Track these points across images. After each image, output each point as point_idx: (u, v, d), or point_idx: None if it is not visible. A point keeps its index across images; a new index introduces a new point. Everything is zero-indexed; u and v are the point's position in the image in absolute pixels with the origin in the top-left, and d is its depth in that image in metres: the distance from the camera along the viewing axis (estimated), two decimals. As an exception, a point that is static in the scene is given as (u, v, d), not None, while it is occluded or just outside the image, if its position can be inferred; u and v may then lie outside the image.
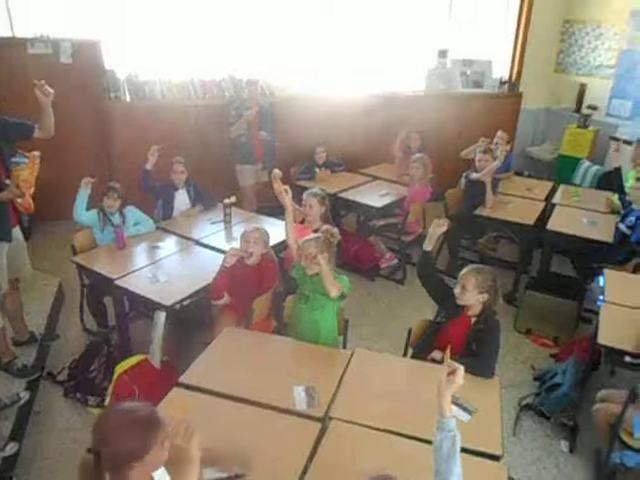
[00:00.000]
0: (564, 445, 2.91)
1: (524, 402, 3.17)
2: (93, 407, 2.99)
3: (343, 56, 5.85)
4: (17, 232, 3.11)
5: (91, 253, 3.43)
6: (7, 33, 4.82)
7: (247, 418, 2.06)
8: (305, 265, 2.60)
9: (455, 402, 2.01)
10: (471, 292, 2.47)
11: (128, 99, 5.10)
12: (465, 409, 2.09)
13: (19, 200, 3.02)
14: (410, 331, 2.75)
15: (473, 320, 2.52)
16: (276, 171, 3.16)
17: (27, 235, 3.27)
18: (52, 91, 2.87)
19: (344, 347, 2.79)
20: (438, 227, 2.63)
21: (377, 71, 6.05)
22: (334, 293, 2.51)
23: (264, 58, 5.51)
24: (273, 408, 2.10)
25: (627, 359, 2.67)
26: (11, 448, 2.65)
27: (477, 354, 2.42)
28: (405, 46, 6.20)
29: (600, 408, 2.63)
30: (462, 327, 2.52)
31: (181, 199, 4.02)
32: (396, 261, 4.69)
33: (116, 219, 3.56)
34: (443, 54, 6.35)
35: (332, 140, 5.23)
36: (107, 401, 2.85)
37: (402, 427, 2.02)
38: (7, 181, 2.89)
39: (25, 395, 2.96)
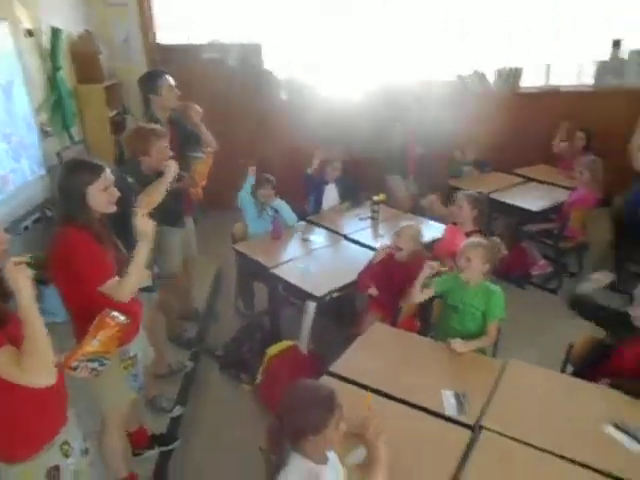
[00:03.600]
0: None
1: None
2: (245, 384, 3.22)
3: (501, 45, 5.54)
4: (189, 221, 3.48)
5: (248, 242, 3.68)
6: (184, 40, 5.37)
7: (394, 415, 2.05)
8: (463, 267, 2.53)
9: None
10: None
11: (285, 98, 5.40)
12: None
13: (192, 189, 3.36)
14: (571, 346, 2.54)
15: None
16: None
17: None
18: (200, 110, 3.26)
19: (494, 356, 2.66)
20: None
21: (540, 61, 5.62)
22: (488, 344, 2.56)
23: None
24: (421, 409, 2.08)
25: None
26: (177, 410, 2.98)
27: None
28: (573, 35, 5.63)
29: None
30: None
31: (330, 194, 4.15)
32: (550, 269, 4.34)
33: (269, 210, 3.77)
34: (617, 44, 5.68)
35: (480, 137, 4.96)
36: (258, 380, 3.07)
37: (559, 448, 1.88)
38: (184, 174, 3.24)
39: (190, 364, 3.30)
